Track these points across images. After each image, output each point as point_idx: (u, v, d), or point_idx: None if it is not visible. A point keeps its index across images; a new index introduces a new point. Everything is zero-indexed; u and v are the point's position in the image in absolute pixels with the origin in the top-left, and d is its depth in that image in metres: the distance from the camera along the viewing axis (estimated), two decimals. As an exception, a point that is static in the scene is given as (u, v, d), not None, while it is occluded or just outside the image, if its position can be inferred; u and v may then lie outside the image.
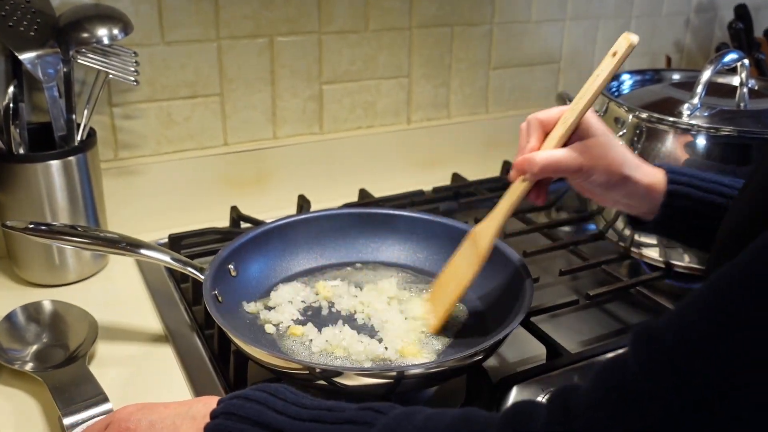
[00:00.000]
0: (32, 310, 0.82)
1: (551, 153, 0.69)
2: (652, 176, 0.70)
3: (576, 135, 0.70)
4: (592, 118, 0.70)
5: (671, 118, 0.92)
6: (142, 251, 0.78)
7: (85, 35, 0.88)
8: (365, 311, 0.81)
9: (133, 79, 0.93)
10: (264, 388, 0.54)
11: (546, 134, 0.71)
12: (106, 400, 0.68)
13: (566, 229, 1.13)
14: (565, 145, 0.69)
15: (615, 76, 1.13)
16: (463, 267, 0.76)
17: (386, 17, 1.16)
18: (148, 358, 0.79)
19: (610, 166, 0.69)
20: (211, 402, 0.55)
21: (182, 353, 0.80)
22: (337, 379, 0.64)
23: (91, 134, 0.94)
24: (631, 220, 0.75)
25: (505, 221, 0.73)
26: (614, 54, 0.68)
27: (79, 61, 0.90)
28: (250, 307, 0.81)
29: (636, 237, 0.93)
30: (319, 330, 0.77)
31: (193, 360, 0.78)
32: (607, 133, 0.70)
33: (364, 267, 0.92)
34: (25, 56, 0.88)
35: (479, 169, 1.27)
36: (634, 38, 0.67)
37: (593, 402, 0.41)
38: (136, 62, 0.93)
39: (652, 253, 0.93)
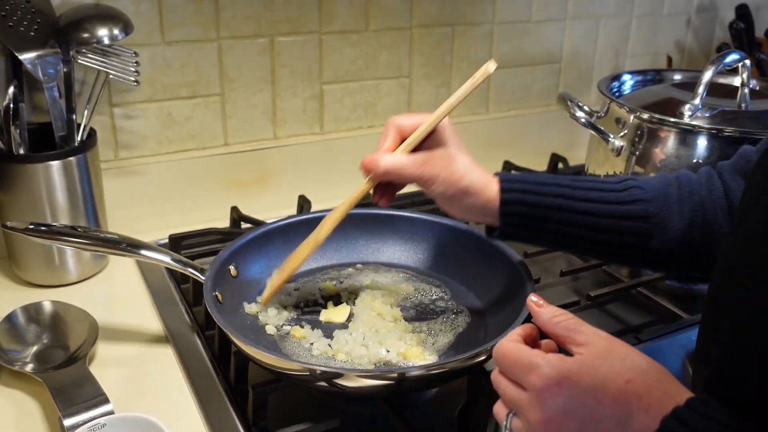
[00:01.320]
0: (32, 311, 0.82)
1: (396, 158, 0.72)
2: (491, 188, 0.72)
3: (429, 144, 0.73)
4: (448, 130, 0.73)
5: (672, 119, 0.92)
6: (143, 252, 0.77)
7: (86, 35, 0.88)
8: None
9: (133, 79, 0.93)
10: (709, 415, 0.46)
11: (402, 139, 0.74)
12: (106, 401, 0.67)
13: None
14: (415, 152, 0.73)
15: (616, 76, 1.13)
16: (302, 249, 0.79)
17: (387, 17, 1.16)
18: (149, 358, 0.79)
19: (449, 177, 0.70)
20: (653, 409, 0.48)
21: (183, 354, 0.79)
22: (338, 381, 0.64)
23: (92, 134, 0.94)
24: (487, 229, 0.77)
25: (344, 214, 0.77)
26: (474, 78, 0.72)
27: (79, 61, 0.90)
28: (251, 307, 0.81)
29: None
30: (322, 332, 0.77)
31: (193, 361, 0.78)
32: (457, 145, 0.73)
33: (365, 267, 0.92)
34: (26, 56, 0.88)
35: (480, 169, 1.27)
36: (492, 67, 0.71)
37: None
38: (136, 62, 0.93)
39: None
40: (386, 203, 0.77)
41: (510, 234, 0.73)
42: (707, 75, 0.93)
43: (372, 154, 0.73)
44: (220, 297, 0.77)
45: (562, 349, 0.54)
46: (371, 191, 0.77)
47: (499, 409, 0.55)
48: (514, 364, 0.52)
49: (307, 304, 0.84)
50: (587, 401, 0.48)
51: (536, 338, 0.57)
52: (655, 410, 0.47)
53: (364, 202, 1.12)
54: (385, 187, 0.76)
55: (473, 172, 0.72)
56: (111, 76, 0.93)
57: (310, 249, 0.78)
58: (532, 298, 0.58)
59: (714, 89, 0.97)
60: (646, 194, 0.71)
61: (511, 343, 0.54)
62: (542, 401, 0.50)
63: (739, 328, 0.48)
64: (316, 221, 0.90)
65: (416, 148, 0.74)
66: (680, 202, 0.71)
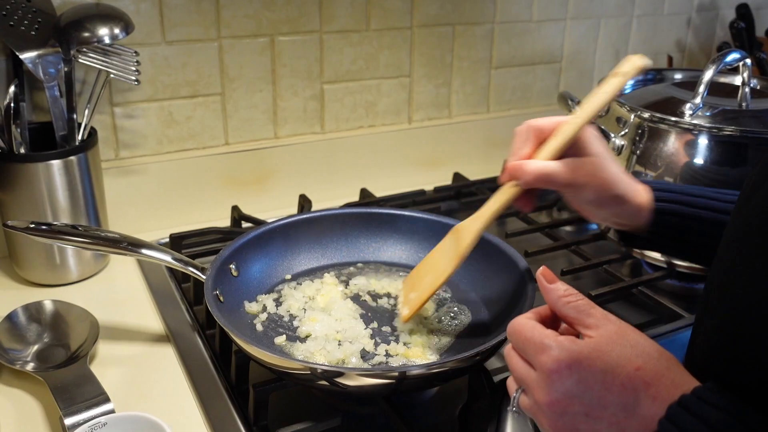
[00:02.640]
0: (33, 310, 0.82)
1: (544, 164, 0.68)
2: (642, 195, 0.71)
3: (572, 150, 0.69)
4: (590, 135, 0.69)
5: (673, 118, 0.92)
6: (143, 251, 0.77)
7: (86, 34, 0.88)
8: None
9: (134, 78, 0.93)
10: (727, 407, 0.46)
11: (540, 142, 0.70)
12: (107, 400, 0.67)
13: (568, 229, 1.13)
14: (561, 158, 0.69)
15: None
16: (442, 262, 0.76)
17: (387, 16, 1.16)
18: (150, 358, 0.79)
19: (601, 185, 0.68)
20: (660, 397, 0.47)
21: (183, 353, 0.79)
22: (339, 380, 0.64)
23: (92, 134, 0.94)
24: (622, 235, 0.76)
25: (490, 222, 0.73)
26: (623, 74, 0.69)
27: (80, 60, 0.90)
28: (252, 307, 0.81)
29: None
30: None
31: (194, 360, 0.78)
32: (604, 151, 0.70)
33: (366, 267, 0.91)
34: (26, 56, 0.88)
35: (480, 169, 1.27)
36: (640, 61, 0.68)
37: None
38: (137, 62, 0.93)
39: (654, 253, 0.93)
40: (531, 209, 0.74)
41: (656, 243, 0.72)
42: (708, 74, 0.93)
43: (516, 161, 0.69)
44: (220, 296, 0.77)
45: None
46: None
47: (511, 384, 0.55)
48: (526, 342, 0.52)
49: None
50: (595, 386, 0.48)
51: (555, 318, 0.56)
52: (663, 398, 0.47)
53: (365, 201, 1.13)
54: (527, 192, 0.71)
55: (623, 179, 0.70)
56: (112, 76, 0.93)
57: (453, 267, 0.74)
58: (542, 271, 0.56)
59: (715, 88, 0.97)
60: None
61: (525, 320, 0.54)
62: (550, 383, 0.49)
63: (727, 316, 0.48)
64: (316, 221, 0.91)
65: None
66: None
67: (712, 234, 0.69)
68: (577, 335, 0.53)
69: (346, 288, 0.87)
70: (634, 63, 0.69)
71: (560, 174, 0.67)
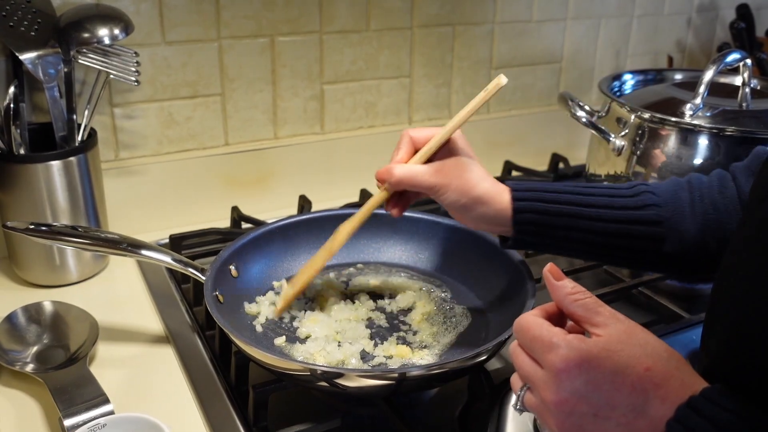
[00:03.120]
0: (33, 311, 0.82)
1: (410, 167, 0.74)
2: (504, 197, 0.72)
3: (441, 155, 0.75)
4: (460, 142, 0.75)
5: (673, 119, 0.91)
6: (143, 252, 0.77)
7: (86, 35, 0.88)
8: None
9: (133, 79, 0.93)
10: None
11: (416, 150, 0.76)
12: (106, 401, 0.67)
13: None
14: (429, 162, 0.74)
15: (617, 76, 1.13)
16: (315, 260, 0.79)
17: (387, 17, 1.16)
18: (149, 359, 0.79)
19: (462, 186, 0.72)
20: (669, 398, 0.47)
21: (183, 354, 0.79)
22: (339, 381, 0.64)
23: (92, 134, 0.94)
24: (501, 239, 0.78)
25: (360, 223, 0.78)
26: (487, 91, 0.74)
27: (79, 61, 0.90)
28: (251, 308, 0.81)
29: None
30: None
31: (194, 361, 0.78)
32: (469, 155, 0.75)
33: (366, 267, 0.91)
34: (26, 56, 0.88)
35: (481, 169, 1.27)
36: (503, 80, 0.73)
37: None
38: (136, 62, 0.93)
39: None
40: (399, 213, 0.78)
41: (524, 242, 0.74)
42: (708, 74, 0.92)
43: (386, 165, 0.74)
44: (220, 297, 0.77)
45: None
46: (385, 201, 0.77)
47: (515, 381, 0.54)
48: (533, 339, 0.51)
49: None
50: (604, 387, 0.48)
51: (562, 316, 0.55)
52: (672, 399, 0.47)
53: (363, 202, 1.12)
54: (399, 197, 0.77)
55: (485, 181, 0.72)
56: (111, 76, 0.93)
57: (324, 260, 0.79)
58: (549, 268, 0.56)
59: (715, 89, 0.97)
60: (658, 199, 0.72)
61: (533, 318, 0.53)
62: (558, 382, 0.49)
63: (739, 322, 0.48)
64: (316, 221, 0.91)
65: (429, 160, 0.75)
66: (692, 205, 0.71)
67: (572, 227, 0.71)
68: (584, 333, 0.52)
69: (346, 289, 0.87)
70: (498, 81, 0.73)
71: (423, 176, 0.73)
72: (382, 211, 0.93)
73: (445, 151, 0.75)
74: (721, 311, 0.52)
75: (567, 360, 0.49)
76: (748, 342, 0.47)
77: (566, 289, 0.53)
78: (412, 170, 0.73)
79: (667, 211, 0.71)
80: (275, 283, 0.86)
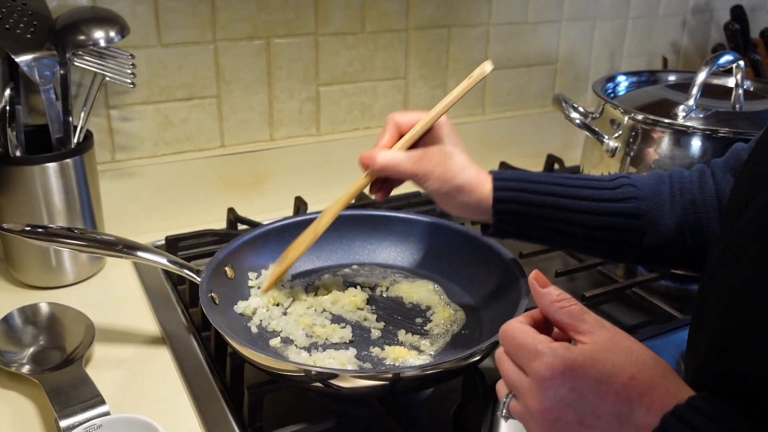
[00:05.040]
0: (29, 313, 0.82)
1: (392, 154, 0.74)
2: (486, 185, 0.73)
3: (425, 142, 0.75)
4: (445, 128, 0.75)
5: (666, 120, 0.92)
6: (139, 253, 0.78)
7: (82, 37, 0.88)
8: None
9: (129, 81, 0.93)
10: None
11: (401, 135, 0.76)
12: (102, 402, 0.68)
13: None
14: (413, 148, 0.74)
15: (611, 78, 1.13)
16: (301, 240, 0.81)
17: (383, 19, 1.16)
18: (145, 360, 0.80)
19: (444, 174, 0.72)
20: (654, 406, 0.47)
21: (179, 355, 0.80)
22: (333, 381, 0.64)
23: (88, 136, 0.94)
24: (482, 227, 0.78)
25: (343, 207, 0.79)
26: (472, 78, 0.73)
27: (75, 63, 0.90)
28: (239, 306, 0.81)
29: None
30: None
31: (189, 362, 0.79)
32: (454, 143, 0.75)
33: (361, 268, 0.92)
34: (22, 59, 0.88)
35: (476, 171, 1.27)
36: (488, 67, 0.72)
37: None
38: (132, 64, 0.93)
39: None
40: (382, 198, 0.79)
41: (503, 231, 0.74)
42: (701, 76, 0.93)
43: (370, 150, 0.75)
44: (216, 298, 0.77)
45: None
46: (368, 186, 0.78)
47: (501, 388, 0.54)
48: (519, 347, 0.51)
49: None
50: (589, 395, 0.48)
51: (548, 322, 0.55)
52: (657, 408, 0.47)
53: (361, 203, 1.13)
54: (383, 182, 0.78)
55: (468, 169, 0.73)
56: (107, 79, 0.93)
57: (310, 240, 0.80)
58: (534, 276, 0.56)
59: (708, 90, 0.97)
60: (638, 192, 0.72)
61: (518, 325, 0.53)
62: (543, 390, 0.49)
63: (725, 325, 0.48)
64: (312, 222, 0.91)
65: (414, 146, 0.75)
66: (672, 199, 0.72)
67: (553, 217, 0.72)
68: (570, 340, 0.53)
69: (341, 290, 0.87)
70: (482, 68, 0.73)
71: (405, 163, 0.73)
72: (377, 213, 0.94)
73: (430, 137, 0.75)
74: (708, 315, 0.52)
75: (552, 368, 0.49)
76: (732, 347, 0.47)
77: (551, 297, 0.53)
78: (395, 157, 0.73)
79: (647, 205, 0.71)
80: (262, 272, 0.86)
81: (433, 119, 0.74)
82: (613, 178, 0.74)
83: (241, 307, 0.81)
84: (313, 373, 0.64)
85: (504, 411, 0.53)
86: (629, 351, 0.49)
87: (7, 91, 0.86)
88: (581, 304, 0.53)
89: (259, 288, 0.83)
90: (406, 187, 1.20)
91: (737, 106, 0.96)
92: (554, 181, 0.74)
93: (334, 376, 0.64)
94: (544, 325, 0.55)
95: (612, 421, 0.48)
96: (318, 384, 0.65)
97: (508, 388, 0.53)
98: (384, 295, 0.86)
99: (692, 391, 0.48)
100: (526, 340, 0.51)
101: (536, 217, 0.72)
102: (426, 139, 0.75)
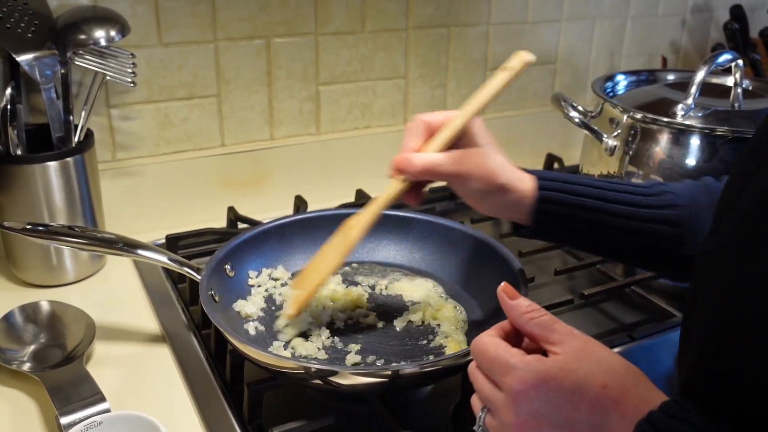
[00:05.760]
0: (30, 311, 0.83)
1: (431, 156, 0.70)
2: (526, 184, 0.71)
3: (459, 142, 0.71)
4: (478, 127, 0.72)
5: (665, 119, 0.92)
6: (140, 252, 0.78)
7: (83, 37, 0.89)
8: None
9: (130, 80, 0.93)
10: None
11: (430, 136, 0.72)
12: (103, 399, 0.68)
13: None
14: (448, 150, 0.70)
15: (610, 77, 1.14)
16: (330, 255, 0.75)
17: (383, 18, 1.17)
18: (145, 358, 0.80)
19: (486, 175, 0.69)
20: (628, 413, 0.47)
21: (179, 353, 0.80)
22: (332, 379, 0.64)
23: (89, 135, 0.95)
24: (514, 227, 0.76)
25: (376, 216, 0.73)
26: (510, 69, 0.71)
27: (76, 62, 0.91)
28: (238, 304, 0.81)
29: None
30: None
31: (189, 360, 0.79)
32: (490, 143, 0.72)
33: (360, 267, 0.92)
34: (23, 58, 0.89)
35: (476, 170, 1.28)
36: (527, 56, 0.69)
37: None
38: (133, 64, 0.93)
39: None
40: (419, 203, 0.74)
41: (542, 232, 0.73)
42: (700, 75, 0.93)
43: (403, 154, 0.71)
44: (216, 296, 0.77)
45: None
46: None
47: (475, 403, 0.54)
48: (491, 362, 0.52)
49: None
50: (563, 406, 0.48)
51: (519, 334, 0.55)
52: (631, 416, 0.47)
53: (360, 202, 1.13)
54: (415, 186, 0.73)
55: (508, 168, 0.71)
56: (108, 78, 0.93)
57: (341, 257, 0.73)
58: (503, 288, 0.55)
59: (707, 89, 0.98)
60: (679, 200, 0.71)
61: (489, 339, 0.53)
62: (517, 405, 0.49)
63: (714, 330, 0.48)
64: (312, 221, 0.92)
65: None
66: (710, 209, 0.70)
67: (594, 221, 0.70)
68: (541, 351, 0.53)
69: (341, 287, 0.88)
70: (522, 58, 0.70)
71: (446, 165, 0.69)
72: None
73: (464, 136, 0.71)
74: (698, 318, 0.52)
75: (524, 382, 0.49)
76: (720, 351, 0.47)
77: (521, 308, 0.54)
78: (436, 159, 0.69)
79: (688, 213, 0.70)
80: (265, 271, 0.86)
81: (468, 117, 0.71)
82: (652, 185, 0.73)
83: (240, 305, 0.81)
84: (313, 370, 0.64)
85: (480, 425, 0.53)
86: (600, 359, 0.50)
87: (8, 90, 0.87)
88: (551, 314, 0.53)
89: (283, 303, 0.80)
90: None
91: (736, 104, 0.96)
92: (595, 184, 0.72)
93: (334, 373, 0.64)
94: (515, 337, 0.55)
95: (587, 429, 0.48)
96: (317, 381, 0.65)
97: (482, 403, 0.53)
98: (383, 293, 0.86)
99: (665, 396, 0.48)
100: (498, 354, 0.51)
101: (576, 219, 0.71)
102: (460, 139, 0.72)
